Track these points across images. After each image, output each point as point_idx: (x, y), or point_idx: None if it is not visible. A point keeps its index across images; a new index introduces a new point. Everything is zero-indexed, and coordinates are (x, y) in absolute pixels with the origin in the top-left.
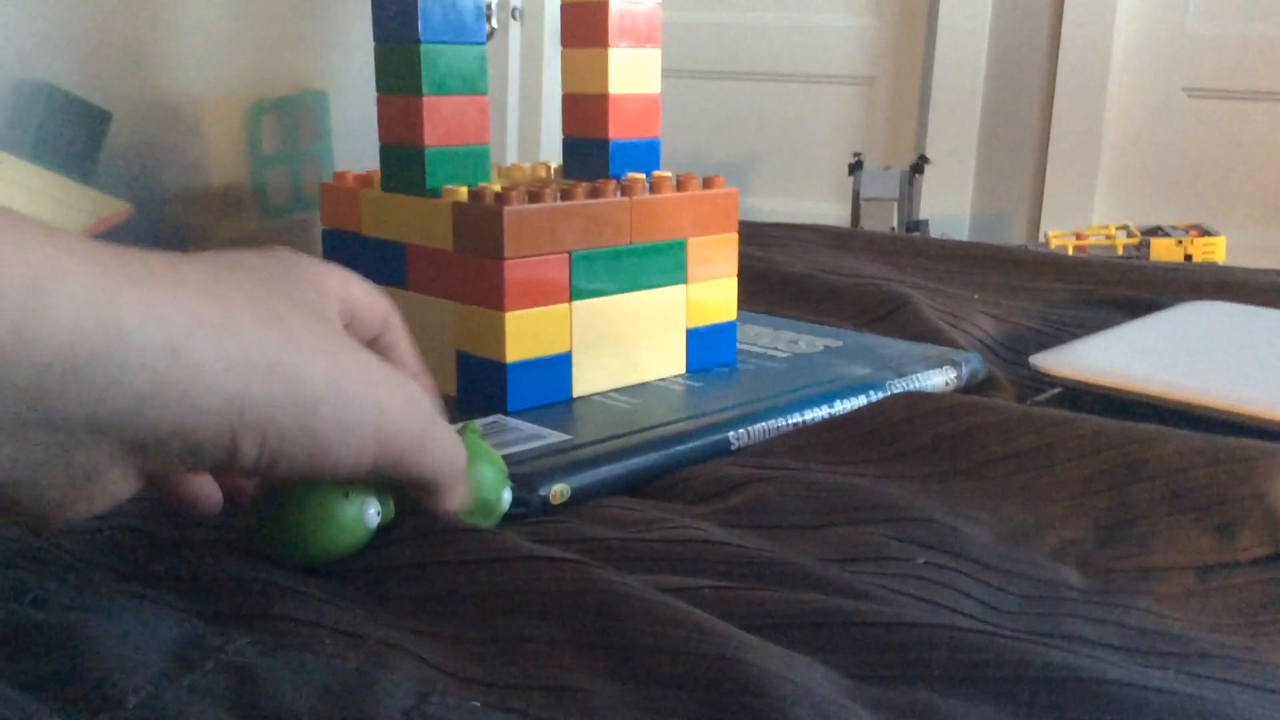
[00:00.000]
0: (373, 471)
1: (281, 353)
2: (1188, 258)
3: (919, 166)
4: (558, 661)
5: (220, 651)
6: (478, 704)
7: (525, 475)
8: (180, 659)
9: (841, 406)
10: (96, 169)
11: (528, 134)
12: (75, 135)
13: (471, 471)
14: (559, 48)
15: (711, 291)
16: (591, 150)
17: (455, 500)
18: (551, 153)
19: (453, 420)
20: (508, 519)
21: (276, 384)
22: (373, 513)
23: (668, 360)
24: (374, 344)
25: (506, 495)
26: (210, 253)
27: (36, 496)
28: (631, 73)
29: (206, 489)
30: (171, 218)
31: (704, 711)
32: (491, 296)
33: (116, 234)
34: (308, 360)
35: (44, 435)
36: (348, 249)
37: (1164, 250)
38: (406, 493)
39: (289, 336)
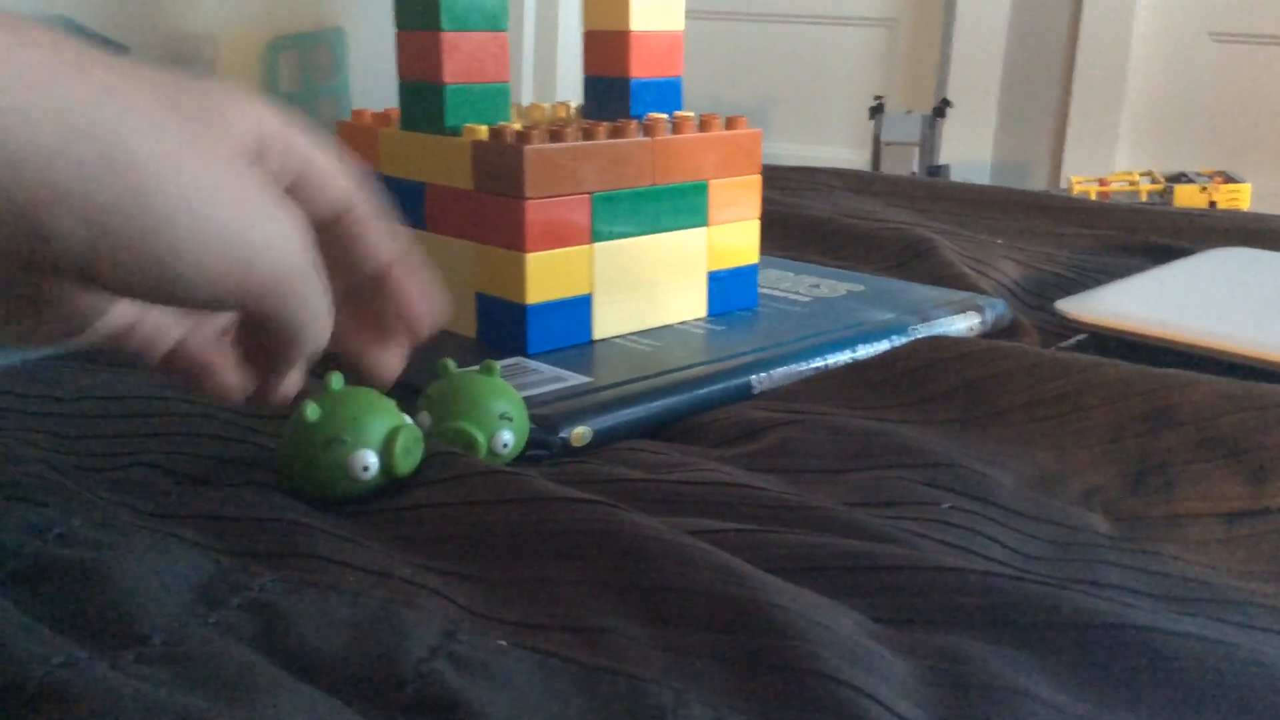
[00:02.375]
0: (231, 305)
1: (135, 139)
2: (1212, 204)
3: (941, 110)
4: (583, 602)
5: (245, 589)
6: (503, 643)
7: (546, 417)
8: (205, 597)
9: (864, 351)
10: None
11: (544, 73)
12: None
13: (472, 407)
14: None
15: (733, 234)
16: (612, 89)
17: (300, 361)
18: (566, 92)
19: (474, 362)
20: (529, 460)
21: (113, 171)
22: (361, 467)
23: (689, 303)
24: (329, 225)
25: (506, 437)
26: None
27: None
28: (654, 9)
29: (230, 377)
30: None
31: (730, 653)
32: (512, 237)
33: None
34: (170, 160)
35: None
36: None
37: (1188, 197)
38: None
39: (154, 127)
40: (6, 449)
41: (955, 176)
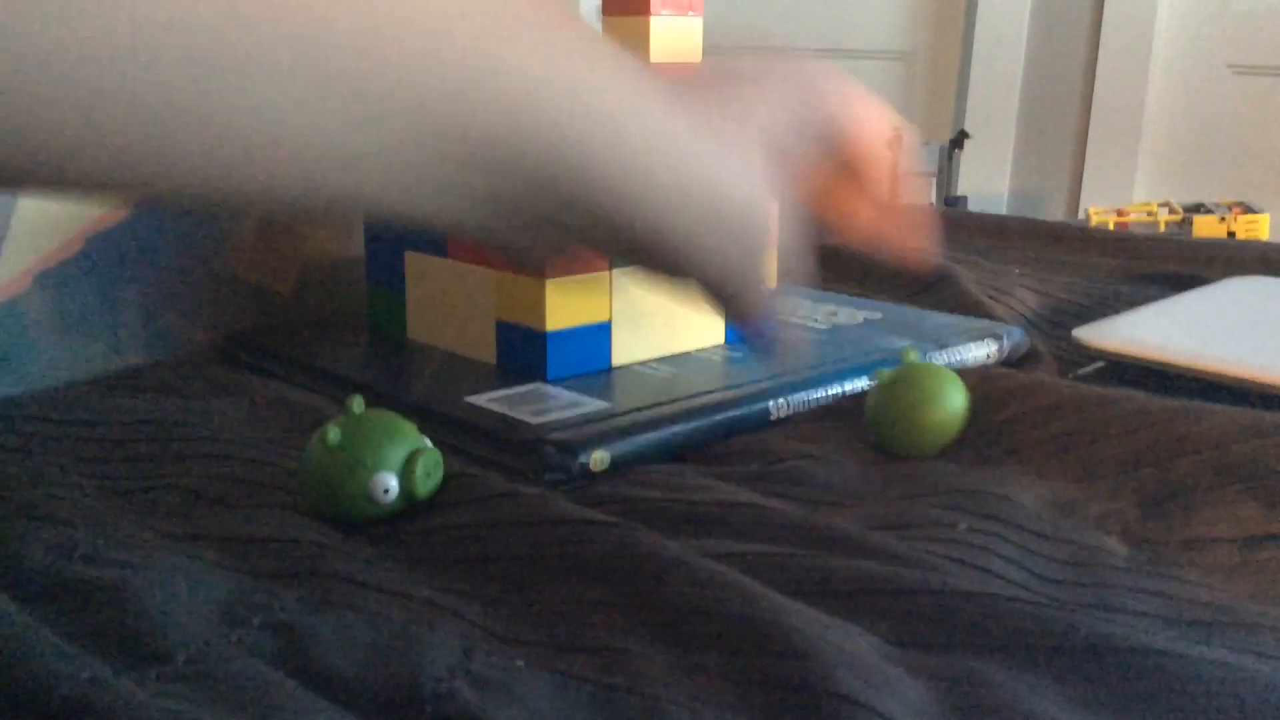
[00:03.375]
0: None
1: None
2: (1231, 235)
3: (958, 142)
4: (600, 623)
5: (267, 609)
6: (520, 663)
7: (565, 442)
8: (228, 616)
9: None
10: None
11: None
12: None
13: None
14: (599, 14)
15: None
16: None
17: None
18: None
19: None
20: (548, 484)
21: (684, 184)
22: (382, 489)
23: (706, 330)
24: (851, 160)
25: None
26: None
27: (524, 248)
28: (673, 41)
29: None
30: None
31: (746, 674)
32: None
33: None
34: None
35: (557, 219)
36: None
37: (1207, 227)
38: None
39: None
40: (34, 472)
41: (973, 207)
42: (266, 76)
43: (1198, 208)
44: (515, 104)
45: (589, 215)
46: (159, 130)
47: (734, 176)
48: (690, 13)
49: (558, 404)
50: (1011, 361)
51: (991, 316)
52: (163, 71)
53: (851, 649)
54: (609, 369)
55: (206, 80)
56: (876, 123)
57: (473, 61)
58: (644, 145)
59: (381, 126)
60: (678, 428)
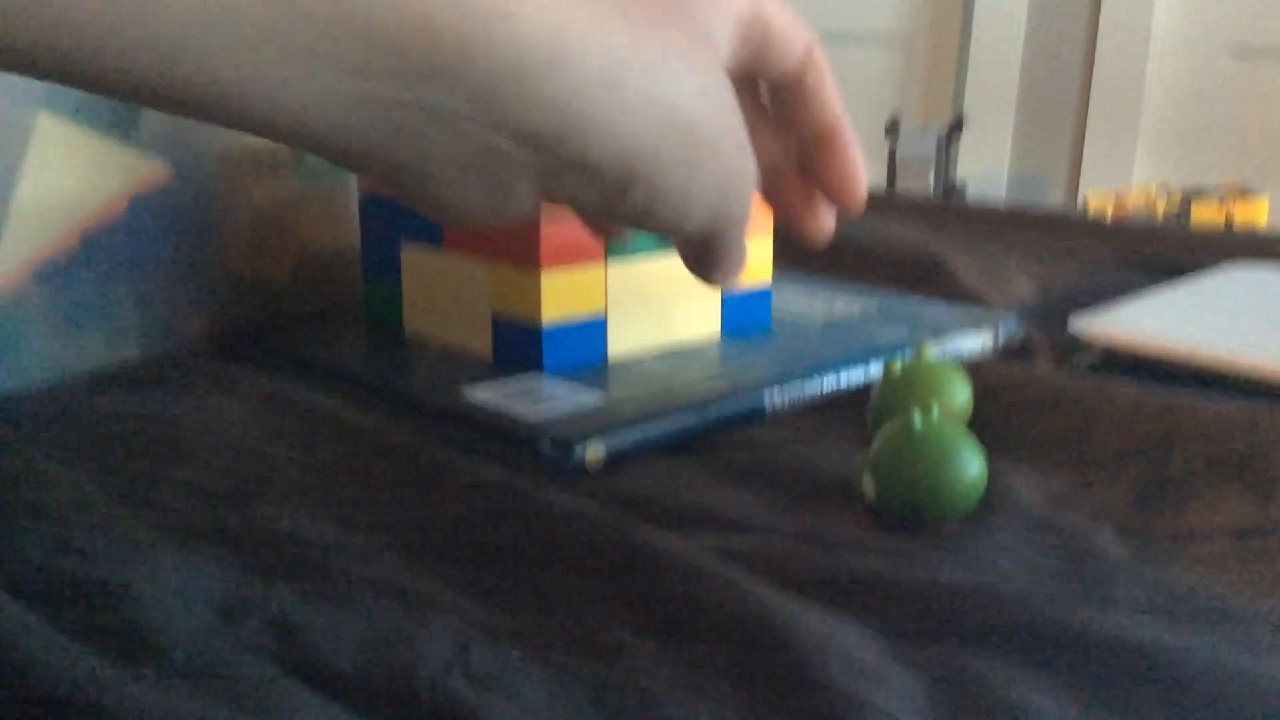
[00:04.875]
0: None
1: (685, 105)
2: (1229, 220)
3: (957, 126)
4: (595, 616)
5: (264, 605)
6: (517, 657)
7: (561, 435)
8: (225, 612)
9: (878, 369)
10: (136, 130)
11: None
12: None
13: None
14: None
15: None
16: None
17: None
18: None
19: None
20: (546, 477)
21: (678, 138)
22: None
23: (702, 322)
24: (791, 86)
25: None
26: None
27: (460, 197)
28: None
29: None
30: (209, 179)
31: (740, 667)
32: (527, 256)
33: (156, 196)
34: (700, 113)
35: (480, 137)
36: (384, 210)
37: (1205, 212)
38: None
39: (693, 74)
40: (33, 470)
41: (972, 191)
42: None
43: (1197, 191)
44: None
45: (527, 137)
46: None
47: (710, 99)
48: None
49: (553, 397)
50: (1008, 351)
51: (988, 306)
52: None
53: (844, 642)
54: (605, 362)
55: None
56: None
57: None
58: (607, 57)
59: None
60: (673, 421)
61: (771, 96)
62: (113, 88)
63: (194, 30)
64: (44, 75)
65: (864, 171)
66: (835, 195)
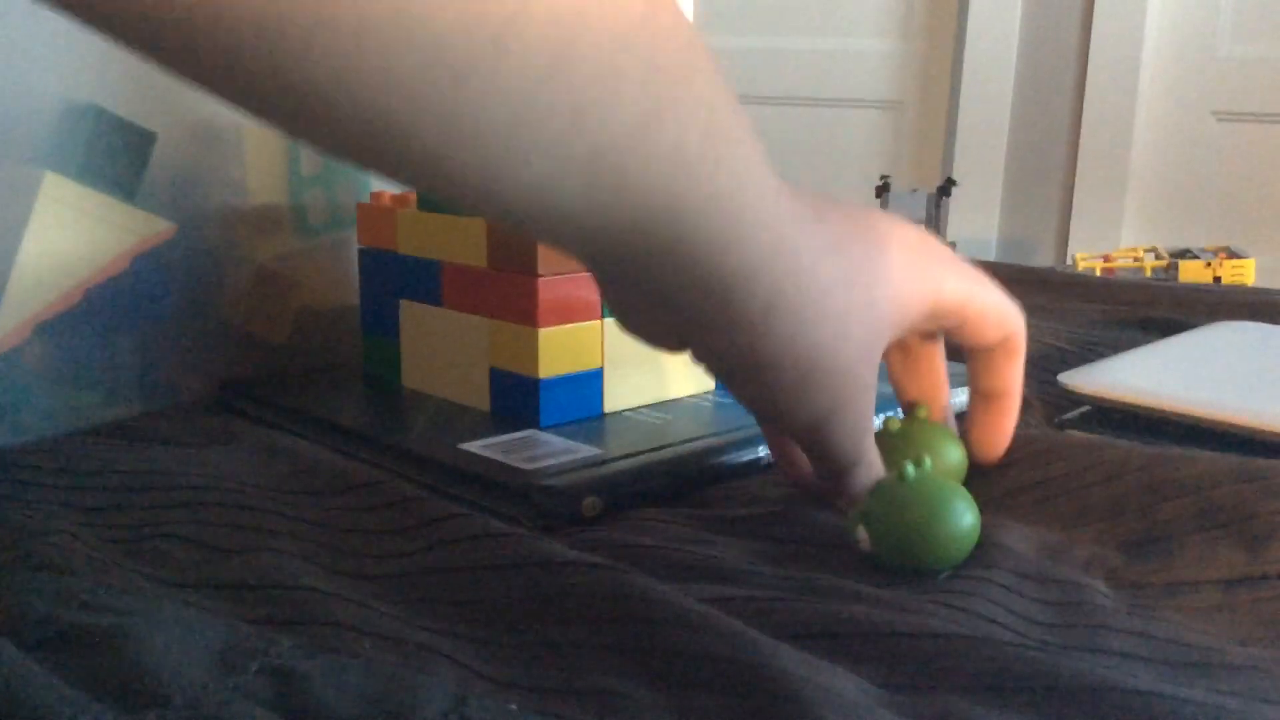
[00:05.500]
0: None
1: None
2: (1216, 280)
3: (946, 189)
4: (593, 666)
5: (264, 655)
6: (514, 708)
7: (558, 488)
8: (224, 662)
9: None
10: (141, 189)
11: None
12: (121, 155)
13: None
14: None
15: None
16: None
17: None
18: None
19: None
20: (543, 529)
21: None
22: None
23: (697, 377)
24: (983, 354)
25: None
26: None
27: (639, 328)
28: None
29: (800, 460)
30: (213, 237)
31: (736, 716)
32: (525, 313)
33: (159, 253)
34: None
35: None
36: (384, 267)
37: (1192, 272)
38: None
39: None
40: (34, 522)
41: (961, 253)
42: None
43: (1184, 253)
44: (678, 180)
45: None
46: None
47: (845, 335)
48: None
49: (551, 450)
50: None
51: None
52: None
53: (840, 691)
54: (601, 415)
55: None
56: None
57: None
58: (782, 274)
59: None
60: (669, 473)
61: (965, 349)
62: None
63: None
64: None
65: (1010, 438)
66: (979, 448)
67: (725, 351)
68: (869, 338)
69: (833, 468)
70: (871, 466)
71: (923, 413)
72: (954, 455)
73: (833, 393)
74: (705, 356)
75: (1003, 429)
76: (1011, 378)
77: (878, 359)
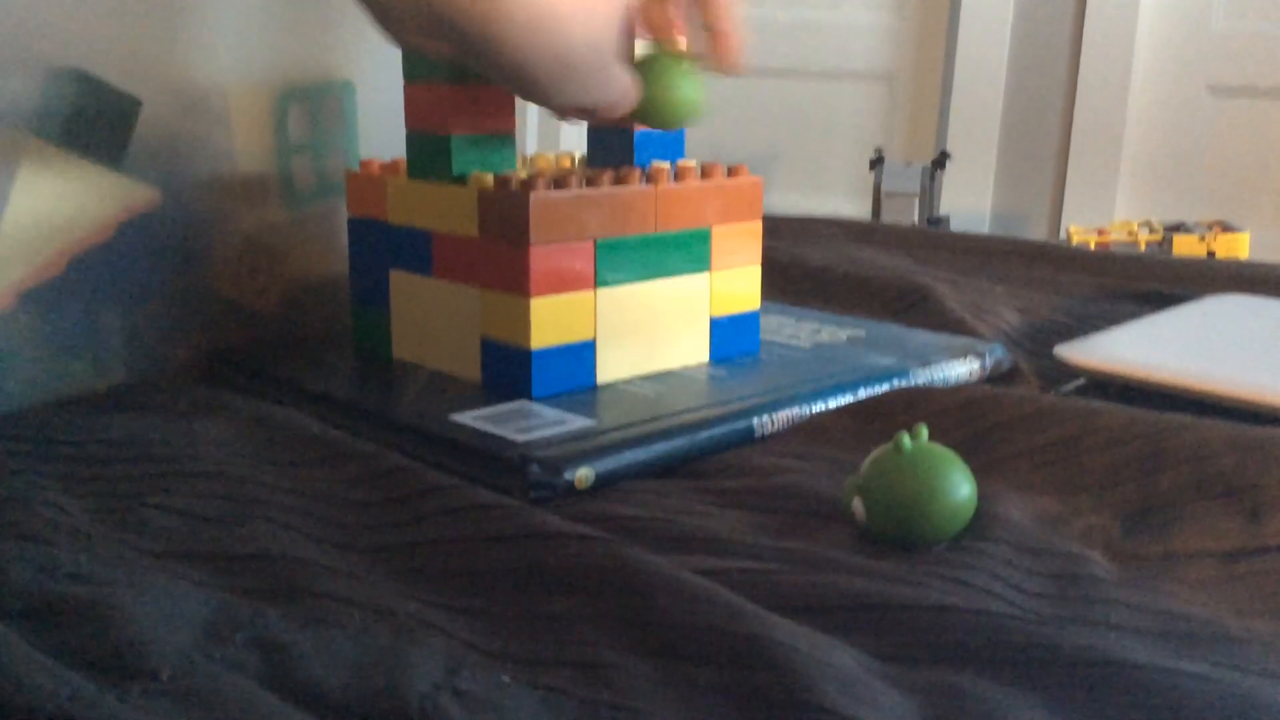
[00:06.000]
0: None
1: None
2: (1210, 254)
3: (940, 162)
4: (587, 638)
5: (250, 626)
6: (507, 679)
7: (550, 460)
8: (211, 633)
9: (866, 396)
10: (126, 156)
11: (548, 124)
12: (106, 122)
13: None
14: None
15: (735, 280)
16: (616, 139)
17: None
18: (570, 143)
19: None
20: (533, 502)
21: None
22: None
23: (691, 348)
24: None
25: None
26: None
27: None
28: None
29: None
30: (198, 204)
31: (732, 688)
32: (517, 283)
33: (144, 221)
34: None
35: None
36: (374, 237)
37: (1186, 246)
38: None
39: None
40: (18, 491)
41: (955, 227)
42: None
43: (1178, 227)
44: None
45: (460, 42)
46: None
47: (573, 12)
48: None
49: (543, 421)
50: (994, 379)
51: (974, 334)
52: None
53: (836, 663)
54: (594, 387)
55: None
56: None
57: None
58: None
59: None
60: (662, 445)
61: None
62: None
63: None
64: None
65: (741, 58)
66: (723, 69)
67: (496, 63)
68: (610, 18)
69: (602, 114)
70: (613, 86)
71: (663, 48)
72: (691, 87)
73: (586, 76)
74: (478, 67)
75: (731, 55)
76: (725, 12)
77: (618, 31)
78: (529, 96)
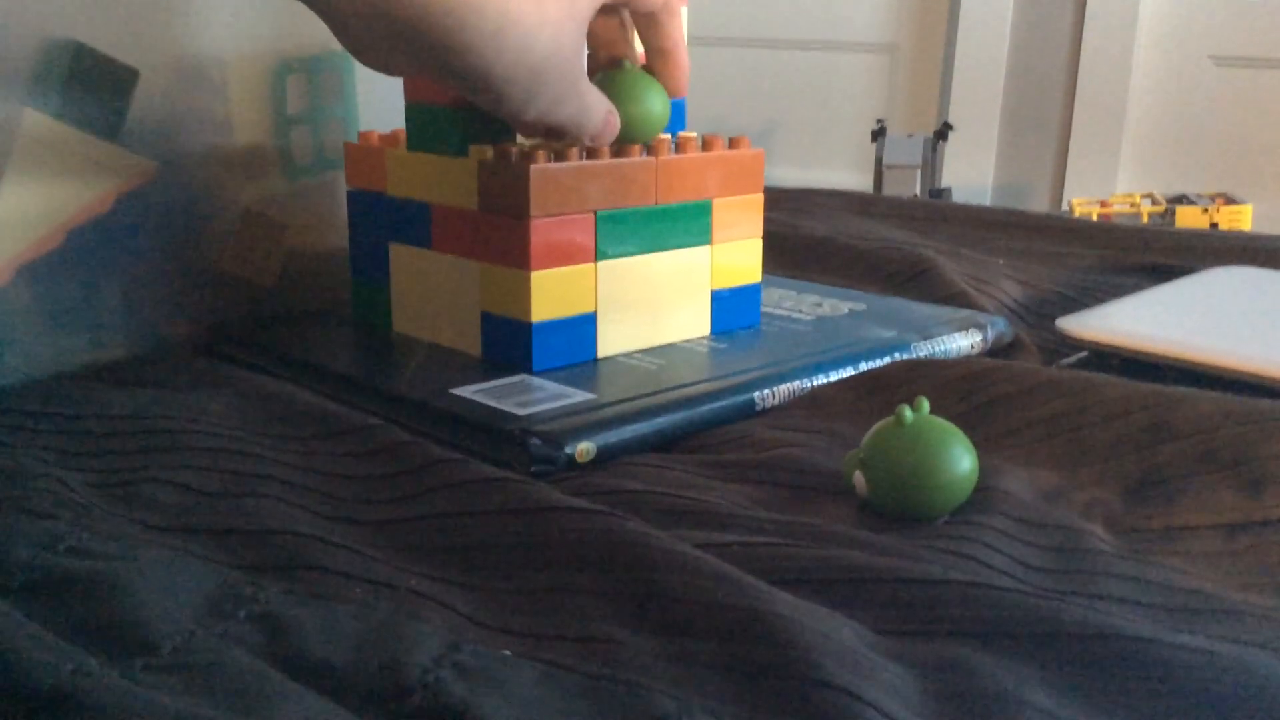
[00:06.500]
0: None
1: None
2: (1214, 225)
3: (942, 134)
4: (587, 612)
5: (253, 601)
6: (508, 653)
7: (551, 433)
8: (213, 608)
9: (867, 369)
10: (123, 127)
11: None
12: (102, 93)
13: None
14: None
15: (736, 253)
16: None
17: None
18: None
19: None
20: (534, 476)
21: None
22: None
23: (692, 321)
24: (647, 16)
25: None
26: None
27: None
28: None
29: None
30: (196, 177)
31: (733, 662)
32: (517, 256)
33: (143, 193)
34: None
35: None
36: (373, 209)
37: (1190, 218)
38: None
39: None
40: (19, 465)
41: (957, 199)
42: None
43: (1181, 198)
44: None
45: (427, 52)
46: None
47: (541, 22)
48: None
49: (543, 395)
50: (995, 352)
51: (975, 307)
52: None
53: (837, 637)
54: (595, 360)
55: None
56: None
57: None
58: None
59: None
60: (664, 418)
61: (633, 16)
62: None
63: None
64: None
65: (688, 80)
66: (667, 85)
67: (462, 72)
68: (576, 29)
69: (568, 135)
70: (593, 111)
71: (628, 65)
72: (659, 100)
73: (557, 87)
74: (443, 79)
75: (680, 76)
76: (676, 34)
77: (583, 44)
78: (498, 110)
